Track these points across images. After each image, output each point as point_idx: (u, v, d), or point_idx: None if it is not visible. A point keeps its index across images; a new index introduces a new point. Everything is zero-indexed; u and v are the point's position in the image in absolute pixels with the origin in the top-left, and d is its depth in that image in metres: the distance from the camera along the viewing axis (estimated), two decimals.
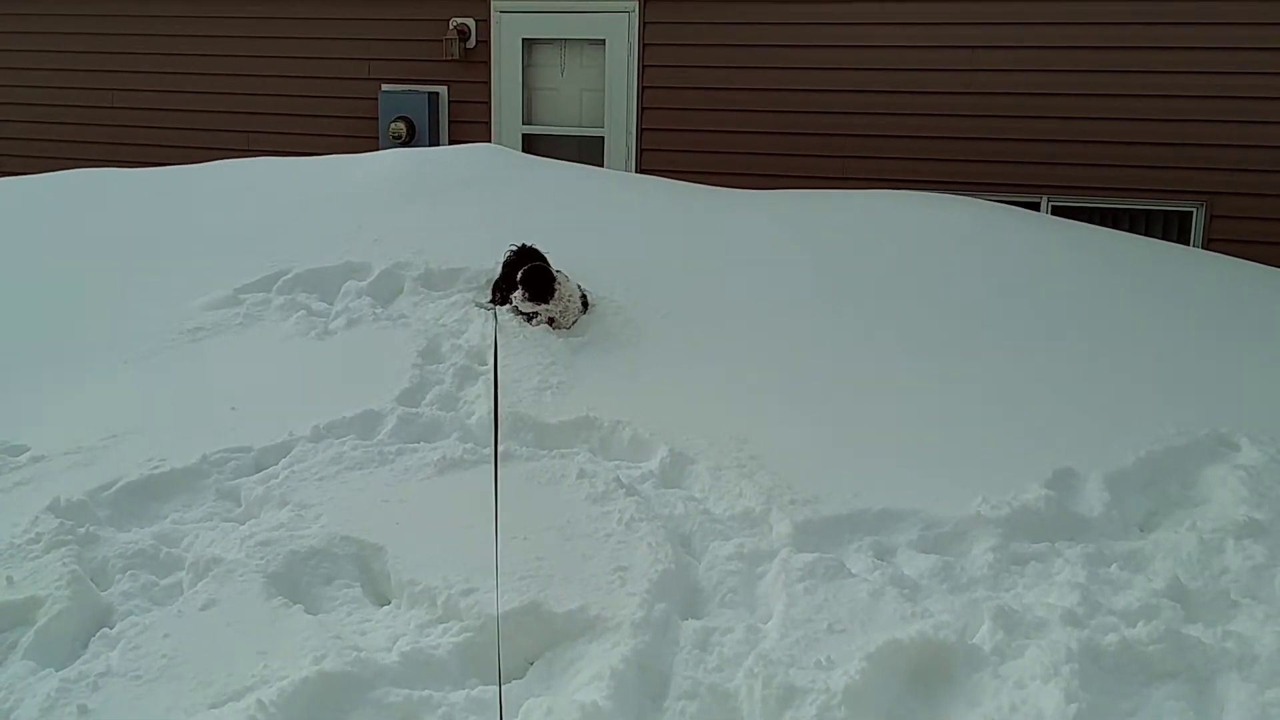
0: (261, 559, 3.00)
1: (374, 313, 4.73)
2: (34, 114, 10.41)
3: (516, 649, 2.75)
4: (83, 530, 3.11)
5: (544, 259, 4.58)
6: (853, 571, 3.05)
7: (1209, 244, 7.72)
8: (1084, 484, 3.54)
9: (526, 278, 4.45)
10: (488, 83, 9.37)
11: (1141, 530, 3.43)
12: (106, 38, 10.16)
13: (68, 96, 10.32)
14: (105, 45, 10.19)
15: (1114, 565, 3.13)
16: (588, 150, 9.13)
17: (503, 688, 2.62)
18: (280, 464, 3.57)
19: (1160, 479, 3.65)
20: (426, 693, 2.55)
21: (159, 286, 4.99)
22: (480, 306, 4.71)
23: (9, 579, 2.89)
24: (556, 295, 4.47)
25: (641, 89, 8.99)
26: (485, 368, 4.29)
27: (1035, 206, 7.96)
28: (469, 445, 3.70)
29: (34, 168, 7.35)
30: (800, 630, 2.76)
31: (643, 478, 3.59)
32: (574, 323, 4.57)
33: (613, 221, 5.61)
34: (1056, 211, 7.91)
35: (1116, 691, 2.58)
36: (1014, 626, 2.78)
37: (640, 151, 9.09)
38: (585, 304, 4.65)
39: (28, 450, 3.67)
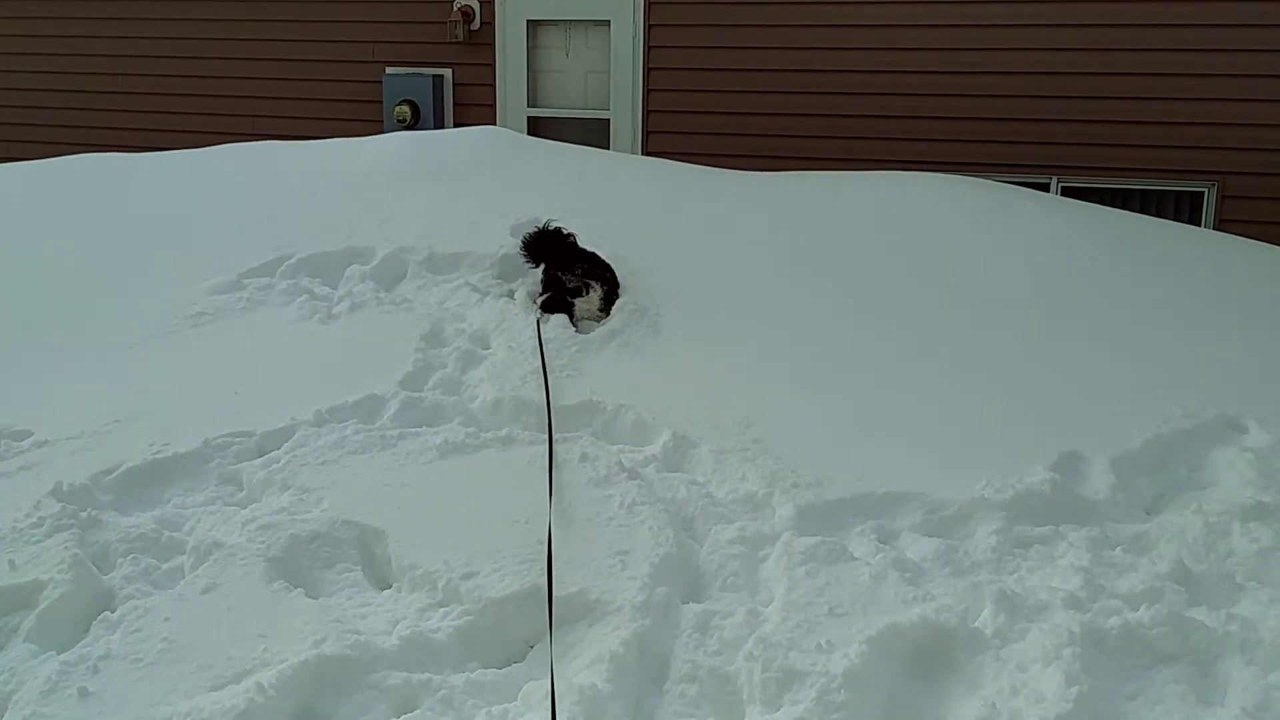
0: (263, 543, 2.99)
1: (377, 297, 4.72)
2: (38, 99, 10.42)
3: (517, 632, 2.75)
4: (85, 514, 3.10)
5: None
6: (855, 555, 3.03)
7: (1220, 224, 7.67)
8: (1089, 467, 3.51)
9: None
10: (492, 65, 9.34)
11: (1147, 513, 3.41)
12: (110, 22, 10.16)
13: (71, 81, 10.33)
14: (109, 30, 10.18)
15: (1118, 548, 3.10)
16: (594, 132, 9.09)
17: (503, 671, 2.63)
18: (282, 448, 3.56)
19: (1167, 462, 3.62)
20: (426, 675, 2.55)
21: (163, 271, 4.99)
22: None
23: (11, 563, 2.89)
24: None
25: (647, 70, 8.95)
26: (488, 352, 4.28)
27: (1045, 187, 7.91)
28: (471, 430, 3.69)
29: (38, 153, 7.35)
30: (801, 614, 2.75)
31: (645, 461, 3.57)
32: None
33: (617, 204, 5.59)
34: (1066, 192, 7.87)
35: (1118, 674, 2.56)
36: (1016, 610, 2.76)
37: (647, 134, 9.05)
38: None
39: (31, 435, 3.67)
